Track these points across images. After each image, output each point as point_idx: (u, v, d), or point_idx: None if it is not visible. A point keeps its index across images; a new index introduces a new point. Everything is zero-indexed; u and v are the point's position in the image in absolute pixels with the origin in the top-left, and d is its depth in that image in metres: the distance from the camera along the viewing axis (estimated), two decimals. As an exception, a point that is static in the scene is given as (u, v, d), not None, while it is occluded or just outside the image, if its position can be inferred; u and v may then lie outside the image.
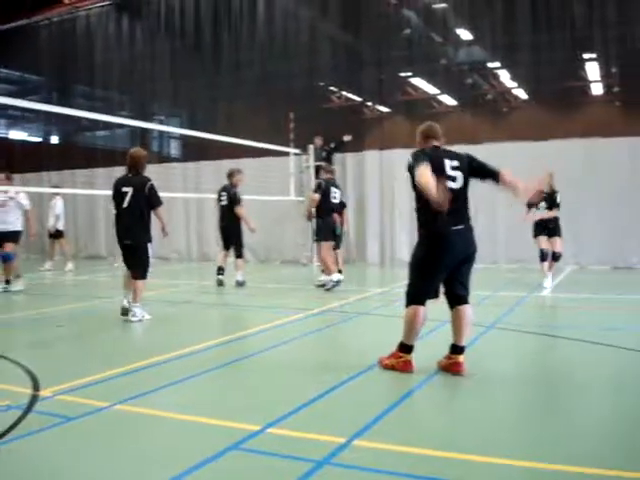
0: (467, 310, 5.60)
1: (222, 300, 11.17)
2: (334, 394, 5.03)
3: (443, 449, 3.87)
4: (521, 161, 15.48)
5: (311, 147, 16.65)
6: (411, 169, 5.34)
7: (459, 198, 5.43)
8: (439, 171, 5.30)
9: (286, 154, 16.60)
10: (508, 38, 22.17)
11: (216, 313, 9.89)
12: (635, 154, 15.00)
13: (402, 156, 16.48)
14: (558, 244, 11.53)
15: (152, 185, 8.52)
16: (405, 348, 5.63)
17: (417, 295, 5.52)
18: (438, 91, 29.10)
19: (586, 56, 25.37)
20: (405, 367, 5.59)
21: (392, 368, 5.62)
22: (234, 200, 12.31)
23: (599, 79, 28.26)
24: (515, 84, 28.60)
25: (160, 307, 9.67)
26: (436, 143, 5.69)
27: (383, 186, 17.05)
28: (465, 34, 24.19)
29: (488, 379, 5.46)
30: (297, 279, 14.22)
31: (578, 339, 7.03)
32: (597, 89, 29.50)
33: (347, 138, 16.97)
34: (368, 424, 4.26)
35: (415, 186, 5.36)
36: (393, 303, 10.35)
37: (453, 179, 5.43)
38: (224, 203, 12.40)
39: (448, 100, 30.52)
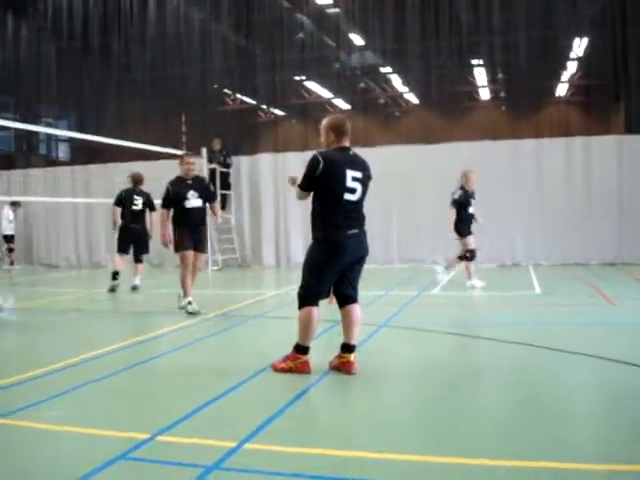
0: (356, 309, 5.61)
1: (116, 307, 10.87)
2: (226, 398, 4.96)
3: (337, 448, 3.87)
4: (411, 163, 15.92)
5: (204, 150, 16.46)
6: (304, 172, 5.42)
7: (355, 207, 5.48)
8: (336, 182, 5.33)
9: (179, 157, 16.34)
10: (399, 44, 22.68)
11: (108, 320, 9.60)
12: (517, 156, 15.62)
13: (297, 159, 16.70)
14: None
15: None
16: (301, 349, 5.58)
17: (310, 296, 5.50)
18: (332, 95, 29.45)
19: (474, 62, 26.27)
20: (303, 368, 5.53)
21: (289, 370, 5.54)
22: (150, 205, 12.06)
23: (486, 84, 29.34)
24: (406, 89, 29.28)
25: (47, 315, 9.31)
26: (347, 142, 5.56)
27: (278, 189, 17.05)
28: (357, 39, 24.56)
29: (379, 377, 5.52)
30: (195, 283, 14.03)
31: (467, 335, 7.23)
32: (485, 94, 30.62)
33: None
34: (260, 426, 4.21)
35: (307, 186, 5.43)
36: (288, 305, 10.38)
37: (352, 191, 5.40)
38: (138, 207, 12.08)
39: (342, 104, 30.92)
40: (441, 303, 10.22)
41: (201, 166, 16.58)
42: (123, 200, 12.11)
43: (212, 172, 16.57)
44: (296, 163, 16.30)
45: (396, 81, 28.82)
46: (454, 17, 21.12)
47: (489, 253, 15.37)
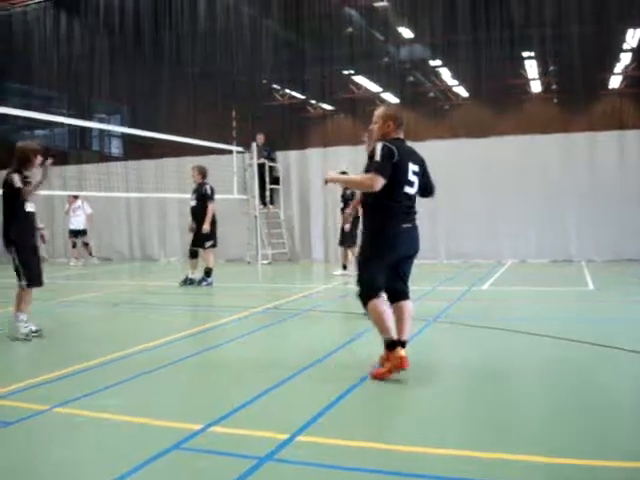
0: (408, 305, 5.53)
1: (170, 300, 11.02)
2: (278, 391, 5.01)
3: (386, 442, 3.90)
4: (460, 158, 15.80)
5: (254, 145, 16.58)
6: (374, 161, 5.19)
7: (412, 201, 5.42)
8: (401, 174, 5.25)
9: (229, 152, 16.49)
10: (448, 36, 22.48)
11: (161, 313, 9.75)
12: (569, 150, 15.35)
13: (346, 153, 16.70)
14: None
15: (11, 178, 7.17)
16: (390, 345, 5.30)
17: (368, 291, 5.36)
18: (380, 89, 29.33)
19: (525, 54, 25.88)
20: (400, 364, 5.23)
21: (389, 373, 5.25)
22: (206, 198, 12.03)
23: (537, 77, 28.89)
24: (456, 82, 29.00)
25: (102, 307, 9.53)
26: (403, 134, 5.49)
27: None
28: (406, 32, 24.41)
29: (428, 372, 5.51)
30: (244, 278, 14.21)
31: (518, 330, 7.16)
32: (536, 87, 30.16)
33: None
34: (312, 419, 4.25)
35: (388, 173, 5.21)
36: (337, 300, 10.43)
37: (411, 184, 5.35)
38: (193, 203, 12.17)
39: (390, 98, 30.78)
40: (490, 299, 10.14)
41: (251, 160, 16.74)
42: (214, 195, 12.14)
43: (261, 167, 16.67)
44: (345, 158, 16.35)
45: (445, 74, 28.54)
46: (505, 9, 20.84)
47: (541, 248, 15.19)
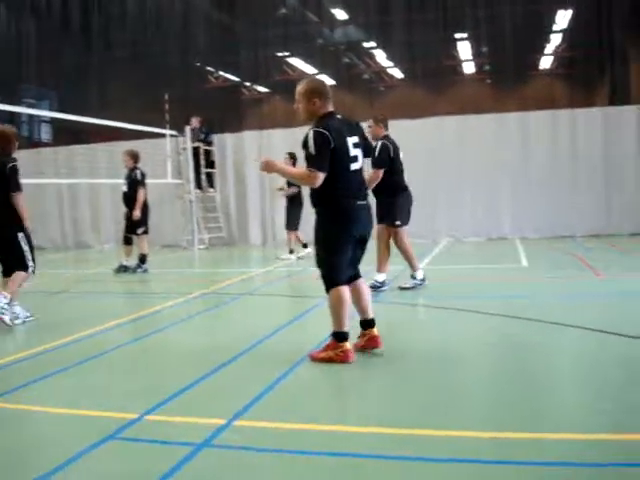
0: (363, 283, 5.43)
1: (105, 287, 10.79)
2: (214, 376, 4.94)
3: (324, 423, 3.88)
4: (397, 139, 15.82)
5: (188, 128, 16.32)
6: (308, 153, 4.95)
7: (359, 176, 5.21)
8: (343, 154, 5.01)
9: (162, 136, 16.21)
10: (382, 18, 22.56)
11: (96, 301, 9.54)
12: (502, 129, 15.58)
13: (282, 136, 16.59)
14: None
15: (13, 167, 7.20)
16: (340, 336, 5.12)
17: (335, 275, 5.13)
18: (316, 71, 29.29)
19: (458, 36, 26.19)
20: (345, 357, 5.08)
21: (329, 360, 5.09)
22: (137, 183, 11.68)
23: (471, 58, 29.28)
24: (391, 64, 29.20)
25: (38, 298, 9.26)
26: (331, 106, 5.16)
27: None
28: (340, 14, 24.42)
29: (371, 354, 5.48)
30: (180, 263, 14.03)
31: (456, 308, 7.24)
32: (469, 68, 30.57)
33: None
34: (249, 404, 4.19)
35: (327, 166, 4.98)
36: (275, 282, 10.38)
37: (355, 159, 5.12)
38: (125, 189, 11.84)
39: (326, 79, 30.69)
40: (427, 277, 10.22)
41: (184, 145, 16.47)
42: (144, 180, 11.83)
43: (196, 150, 16.44)
44: (281, 140, 16.25)
45: (380, 56, 28.74)
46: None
47: (476, 227, 15.41)
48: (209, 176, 16.96)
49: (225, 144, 17.33)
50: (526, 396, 4.30)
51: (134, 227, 11.69)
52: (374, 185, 7.98)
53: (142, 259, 11.83)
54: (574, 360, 5.34)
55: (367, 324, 5.39)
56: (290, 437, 3.72)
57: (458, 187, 15.11)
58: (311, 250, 12.22)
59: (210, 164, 16.91)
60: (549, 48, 28.22)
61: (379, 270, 8.50)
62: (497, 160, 15.38)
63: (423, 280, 8.67)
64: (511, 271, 10.44)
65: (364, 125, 6.07)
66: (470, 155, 15.47)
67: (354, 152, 5.11)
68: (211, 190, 17.04)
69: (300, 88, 5.14)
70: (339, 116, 5.20)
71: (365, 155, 5.33)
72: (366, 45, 27.78)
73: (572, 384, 4.70)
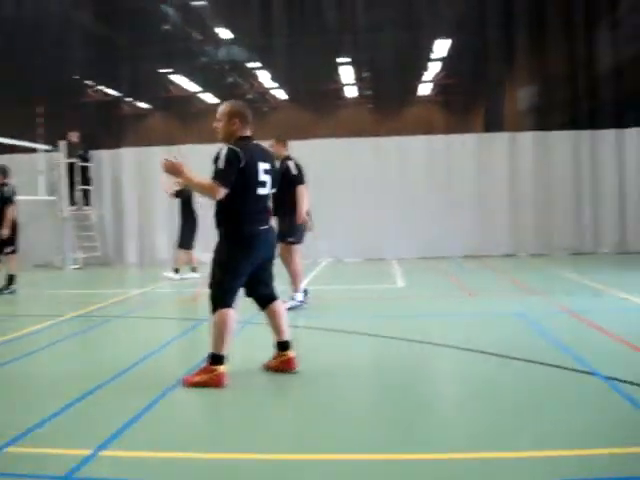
0: (279, 305, 5.45)
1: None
2: (81, 404, 4.70)
3: (193, 451, 3.77)
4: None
5: (62, 143, 15.72)
6: (216, 167, 4.96)
7: (266, 201, 5.29)
8: (252, 176, 5.06)
9: (35, 150, 15.54)
10: (266, 39, 22.62)
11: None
12: (381, 153, 15.96)
13: (163, 153, 16.22)
14: None
15: None
16: (217, 359, 5.04)
17: (225, 296, 5.08)
18: (200, 89, 29.06)
19: (341, 60, 26.67)
20: (219, 382, 5.00)
21: (204, 385, 4.99)
22: (5, 200, 11.14)
23: (353, 82, 29.88)
24: (275, 85, 29.35)
25: None
26: (249, 131, 5.23)
27: (142, 184, 16.52)
28: (225, 33, 24.34)
29: (249, 376, 5.39)
30: (52, 284, 13.43)
31: (334, 329, 7.25)
32: (351, 92, 31.17)
33: None
34: (116, 433, 4.02)
35: (230, 182, 4.98)
36: (152, 305, 10.11)
37: (264, 185, 5.18)
38: None
39: (209, 98, 30.53)
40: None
41: (59, 160, 15.86)
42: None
43: (70, 166, 15.86)
44: (161, 158, 15.93)
45: (264, 77, 28.84)
46: (320, 14, 21.30)
47: (356, 247, 15.64)
48: (85, 193, 16.39)
49: (102, 160, 16.80)
50: (402, 417, 4.35)
51: (1, 246, 11.10)
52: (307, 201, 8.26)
53: (10, 280, 11.24)
54: (447, 379, 5.46)
55: (283, 346, 5.41)
56: (159, 467, 3.58)
57: (338, 208, 15.28)
58: (199, 276, 11.98)
59: (86, 181, 16.35)
60: (428, 75, 29.22)
61: (296, 289, 8.64)
62: (376, 182, 15.73)
63: (303, 301, 8.70)
64: (387, 291, 10.62)
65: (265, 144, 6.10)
66: (350, 177, 15.72)
67: (264, 177, 5.17)
68: (86, 208, 16.47)
69: (223, 108, 5.21)
70: (255, 142, 5.30)
71: (273, 185, 5.38)
72: (250, 65, 27.82)
73: (444, 403, 4.77)
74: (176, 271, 12.48)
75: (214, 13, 23.35)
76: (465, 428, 4.16)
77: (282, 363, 5.39)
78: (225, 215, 5.11)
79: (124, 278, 14.86)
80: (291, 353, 5.39)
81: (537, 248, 15.80)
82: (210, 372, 5.04)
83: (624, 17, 17.54)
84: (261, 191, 5.17)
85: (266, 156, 5.32)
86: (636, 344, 6.07)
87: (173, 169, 5.06)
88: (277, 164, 8.31)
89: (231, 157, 4.95)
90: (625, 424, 4.07)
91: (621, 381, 4.85)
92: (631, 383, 4.78)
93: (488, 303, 9.12)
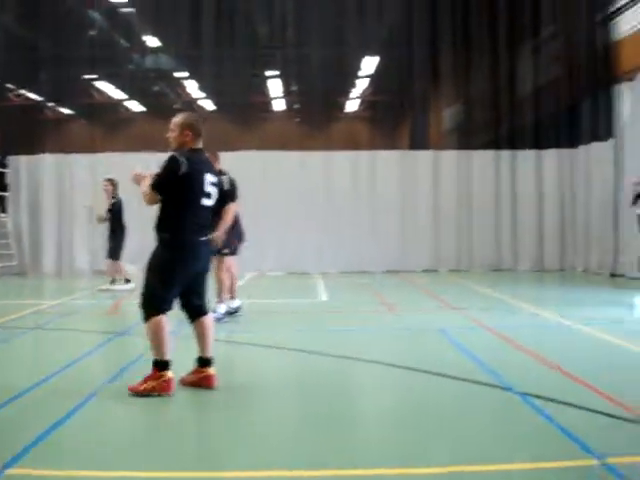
0: (208, 320, 5.42)
1: None
2: (-11, 419, 4.54)
3: (101, 469, 3.67)
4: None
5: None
6: (157, 172, 5.10)
7: (209, 213, 5.35)
8: (196, 186, 5.14)
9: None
10: (194, 49, 22.45)
11: None
12: (307, 167, 16.05)
13: (85, 160, 15.90)
14: None
15: None
16: (161, 365, 5.06)
17: (157, 304, 5.09)
18: (125, 96, 28.60)
19: (269, 73, 26.71)
20: (166, 388, 5.03)
21: (152, 391, 4.99)
22: None
23: (281, 96, 29.95)
24: (203, 95, 29.13)
25: None
26: (200, 144, 5.32)
27: (62, 191, 16.10)
28: (152, 41, 24.03)
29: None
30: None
31: (252, 343, 7.22)
32: (279, 105, 31.23)
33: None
34: (26, 449, 3.86)
35: (163, 189, 5.10)
36: (70, 316, 9.84)
37: (209, 196, 5.24)
38: None
39: (135, 106, 30.10)
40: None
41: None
42: None
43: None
44: (84, 164, 15.63)
45: (192, 87, 28.59)
46: (250, 27, 21.29)
47: (280, 261, 15.64)
48: (0, 200, 15.87)
49: (20, 166, 16.28)
50: (325, 433, 4.33)
51: None
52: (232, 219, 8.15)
53: None
54: (366, 394, 5.50)
55: (204, 362, 5.36)
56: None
57: (263, 221, 15.22)
58: (132, 287, 11.59)
59: (2, 187, 15.83)
60: (356, 92, 29.55)
61: (221, 301, 8.66)
62: (302, 196, 15.81)
63: (225, 314, 8.66)
64: (311, 306, 10.64)
65: None
66: (275, 191, 15.74)
67: (209, 189, 5.24)
68: (2, 215, 15.94)
69: (177, 119, 5.30)
70: (206, 154, 5.43)
71: (219, 201, 5.50)
72: (178, 75, 27.53)
73: (364, 419, 4.79)
74: (112, 282, 12.17)
75: (141, 20, 23.03)
76: (384, 444, 4.19)
77: (201, 379, 5.33)
78: (168, 222, 5.15)
79: (41, 288, 14.42)
80: (211, 370, 5.33)
81: (457, 264, 16.15)
82: (158, 378, 5.04)
83: (544, 43, 18.14)
84: (205, 202, 5.24)
85: (213, 169, 5.43)
86: (547, 359, 6.24)
87: (138, 179, 5.30)
88: None
89: (171, 165, 5.07)
90: (539, 438, 4.17)
91: (534, 396, 4.97)
92: (543, 398, 4.91)
93: (408, 318, 9.26)
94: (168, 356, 5.10)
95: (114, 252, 12.20)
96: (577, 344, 7.24)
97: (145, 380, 5.07)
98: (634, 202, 10.39)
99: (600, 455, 3.74)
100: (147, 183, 5.17)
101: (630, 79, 14.16)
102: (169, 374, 5.07)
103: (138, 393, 5.02)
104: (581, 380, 5.44)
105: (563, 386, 5.35)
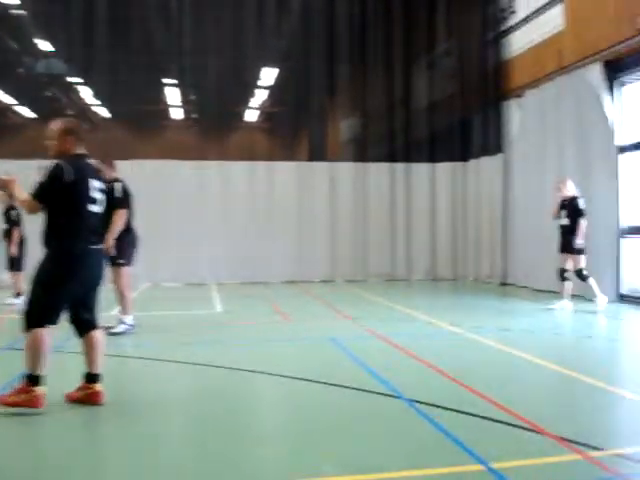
0: (98, 335, 5.22)
1: None
2: None
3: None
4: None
5: None
6: (39, 180, 4.91)
7: (97, 219, 5.18)
8: (81, 193, 5.00)
9: None
10: (89, 55, 21.85)
11: None
12: (204, 177, 15.88)
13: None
14: None
15: None
16: (33, 380, 4.85)
17: (41, 315, 4.86)
18: (15, 101, 27.56)
19: (167, 81, 26.32)
20: (36, 403, 4.82)
21: (20, 404, 4.79)
22: None
23: (179, 105, 29.58)
24: (97, 102, 28.42)
25: None
26: (83, 149, 5.16)
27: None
28: (44, 45, 23.29)
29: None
30: None
31: (143, 357, 7.04)
32: (177, 114, 30.83)
33: None
34: None
35: (46, 198, 4.91)
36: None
37: (94, 202, 5.11)
38: None
39: (26, 112, 29.05)
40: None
41: None
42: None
43: None
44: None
45: (86, 93, 27.86)
46: (147, 34, 20.95)
47: (175, 272, 15.36)
48: None
49: None
50: (216, 448, 4.26)
51: None
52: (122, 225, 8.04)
53: None
54: (257, 406, 5.44)
55: (92, 378, 5.18)
56: None
57: (158, 231, 14.89)
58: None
59: None
60: (255, 102, 29.52)
61: (125, 313, 8.45)
62: (198, 207, 15.60)
63: (133, 325, 8.49)
64: (206, 317, 10.48)
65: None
66: (171, 200, 15.48)
67: (95, 194, 5.13)
68: None
69: (55, 126, 5.14)
70: (88, 160, 5.24)
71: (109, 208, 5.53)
72: (71, 80, 26.76)
73: (253, 431, 4.73)
74: (18, 295, 11.33)
75: (33, 24, 22.26)
76: (274, 457, 4.14)
77: (87, 396, 5.14)
78: (54, 231, 4.98)
79: None
80: (99, 387, 5.16)
81: (353, 274, 16.33)
82: (27, 392, 4.84)
83: (439, 59, 18.66)
84: (92, 208, 5.11)
85: (98, 174, 5.31)
86: (437, 366, 6.36)
87: (9, 184, 5.05)
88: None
89: (55, 173, 4.91)
90: (427, 445, 4.22)
91: (422, 403, 5.05)
92: (432, 405, 4.99)
93: (304, 328, 9.27)
94: (42, 371, 4.89)
95: (16, 263, 11.55)
96: (467, 352, 7.41)
97: (15, 392, 4.89)
98: (558, 214, 10.72)
99: (485, 460, 3.82)
100: (19, 189, 5.00)
101: (519, 96, 14.71)
102: (40, 390, 4.87)
103: (6, 404, 4.82)
104: (470, 387, 5.57)
105: (452, 393, 5.46)
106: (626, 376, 6.64)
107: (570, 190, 10.72)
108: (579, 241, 10.44)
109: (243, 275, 15.66)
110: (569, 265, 10.63)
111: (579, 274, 10.56)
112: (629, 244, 11.57)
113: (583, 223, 10.43)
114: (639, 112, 11.42)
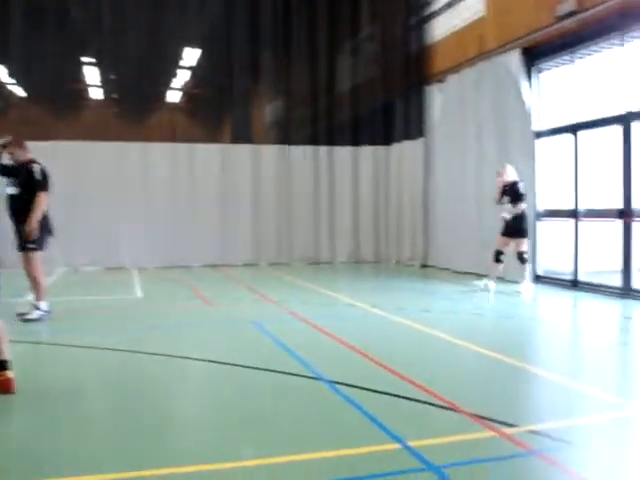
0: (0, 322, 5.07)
1: None
2: None
3: None
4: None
5: None
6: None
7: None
8: None
9: None
10: (4, 32, 21.03)
11: None
12: (124, 159, 15.50)
13: None
14: None
15: None
16: (2, 365, 4.91)
17: None
18: None
19: (85, 60, 25.51)
20: (7, 386, 4.86)
21: None
22: None
23: (98, 84, 28.74)
24: (13, 80, 27.36)
25: None
26: None
27: None
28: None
29: None
30: None
31: (62, 344, 6.85)
32: (97, 94, 29.96)
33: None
34: None
35: None
36: None
37: None
38: None
39: None
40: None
41: None
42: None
43: None
44: None
45: (1, 72, 26.78)
46: (65, 12, 20.26)
47: (93, 256, 14.97)
48: None
49: None
50: (138, 434, 4.18)
51: None
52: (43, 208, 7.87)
53: None
54: (176, 391, 5.35)
55: (1, 366, 4.99)
56: None
57: (76, 214, 14.49)
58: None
59: None
60: (177, 83, 28.95)
61: (39, 299, 8.18)
62: (118, 189, 15.21)
63: (48, 312, 8.20)
64: (127, 302, 10.26)
65: None
66: (90, 182, 15.05)
67: None
68: None
69: None
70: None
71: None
72: (-18, 58, 25.65)
73: (181, 417, 4.66)
74: None
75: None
76: (196, 441, 4.10)
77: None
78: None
79: None
80: (9, 373, 4.98)
81: (277, 258, 16.28)
82: None
83: (362, 43, 18.70)
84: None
85: None
86: (359, 348, 6.40)
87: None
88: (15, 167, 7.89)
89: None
90: (347, 426, 4.24)
91: (344, 384, 5.06)
92: (351, 386, 5.01)
93: (226, 312, 9.19)
94: (4, 356, 4.92)
95: None
96: (388, 333, 7.49)
97: None
98: (500, 200, 10.88)
99: (403, 439, 3.86)
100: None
101: (440, 81, 14.88)
102: (8, 374, 4.90)
103: None
104: (391, 368, 5.61)
105: (372, 374, 5.50)
106: (541, 355, 6.84)
107: (510, 175, 10.92)
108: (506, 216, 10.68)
109: (164, 259, 15.38)
110: (508, 249, 10.86)
111: (520, 256, 10.79)
112: (545, 227, 11.89)
113: (522, 206, 10.66)
114: (555, 98, 11.71)
